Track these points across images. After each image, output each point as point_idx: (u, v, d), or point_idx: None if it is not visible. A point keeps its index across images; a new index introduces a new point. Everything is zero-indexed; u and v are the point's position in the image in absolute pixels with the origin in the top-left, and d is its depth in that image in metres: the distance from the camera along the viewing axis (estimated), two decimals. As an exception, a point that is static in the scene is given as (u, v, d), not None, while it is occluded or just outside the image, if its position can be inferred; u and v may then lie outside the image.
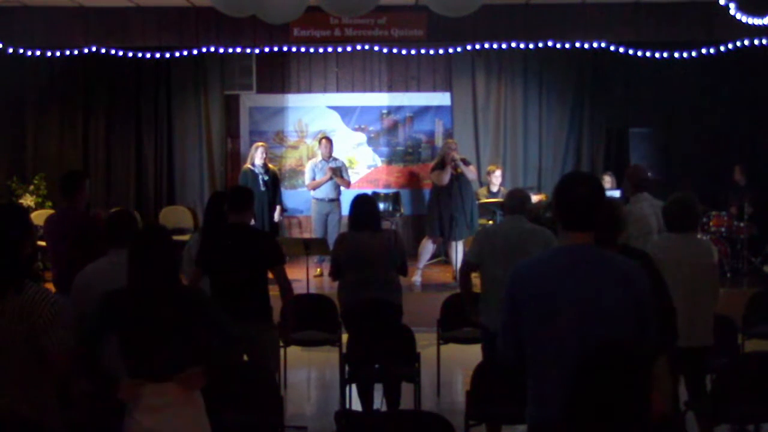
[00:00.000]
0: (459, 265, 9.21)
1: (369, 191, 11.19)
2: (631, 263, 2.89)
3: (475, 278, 5.47)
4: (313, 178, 9.81)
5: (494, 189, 9.93)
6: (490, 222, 9.36)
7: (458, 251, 9.25)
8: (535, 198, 7.29)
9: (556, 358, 2.77)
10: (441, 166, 9.23)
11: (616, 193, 8.91)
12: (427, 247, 9.69)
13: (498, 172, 10.00)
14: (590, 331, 2.75)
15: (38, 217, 8.86)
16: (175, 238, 5.78)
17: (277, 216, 9.49)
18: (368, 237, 5.75)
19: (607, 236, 3.71)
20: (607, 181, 10.07)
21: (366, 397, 5.58)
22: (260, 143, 9.77)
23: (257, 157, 9.45)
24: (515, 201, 5.44)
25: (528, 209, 5.51)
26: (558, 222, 2.91)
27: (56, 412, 3.19)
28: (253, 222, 8.88)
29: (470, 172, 9.38)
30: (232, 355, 3.99)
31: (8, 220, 3.22)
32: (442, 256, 10.50)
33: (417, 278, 9.34)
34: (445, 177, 9.10)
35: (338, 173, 9.80)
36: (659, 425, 3.02)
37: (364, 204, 5.94)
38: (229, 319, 3.47)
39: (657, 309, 3.07)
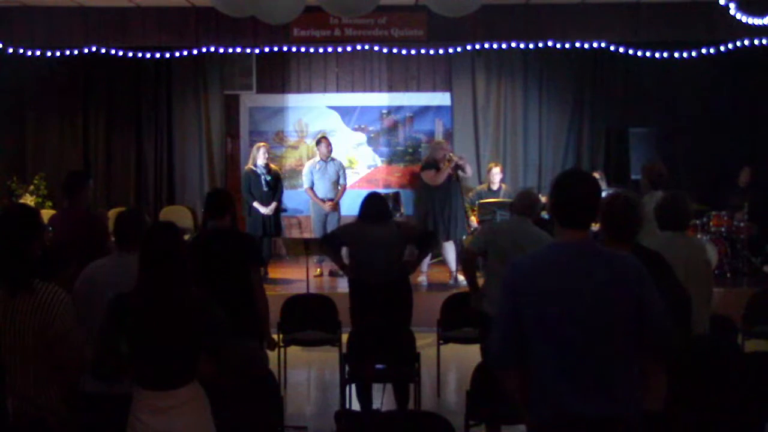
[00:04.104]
0: (453, 265, 9.23)
1: (368, 191, 11.20)
2: (628, 258, 2.90)
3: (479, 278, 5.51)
4: (312, 180, 9.78)
5: (494, 187, 9.89)
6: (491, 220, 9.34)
7: (449, 251, 9.25)
8: (543, 199, 7.27)
9: (555, 355, 2.78)
10: (435, 166, 9.05)
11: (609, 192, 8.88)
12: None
13: (497, 170, 9.92)
14: (589, 328, 2.76)
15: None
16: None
17: (271, 210, 9.45)
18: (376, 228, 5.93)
19: (621, 233, 3.68)
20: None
21: (364, 397, 5.59)
22: (261, 143, 9.76)
23: (259, 158, 9.43)
24: (525, 203, 5.49)
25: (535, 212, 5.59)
26: (555, 219, 2.92)
27: (61, 412, 3.18)
28: (263, 209, 8.98)
29: (467, 171, 9.29)
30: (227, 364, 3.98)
31: (17, 220, 3.23)
32: (440, 255, 10.48)
33: (423, 278, 9.32)
34: (441, 178, 8.98)
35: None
36: (658, 424, 3.02)
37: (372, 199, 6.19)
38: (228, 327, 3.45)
39: (673, 303, 3.05)
